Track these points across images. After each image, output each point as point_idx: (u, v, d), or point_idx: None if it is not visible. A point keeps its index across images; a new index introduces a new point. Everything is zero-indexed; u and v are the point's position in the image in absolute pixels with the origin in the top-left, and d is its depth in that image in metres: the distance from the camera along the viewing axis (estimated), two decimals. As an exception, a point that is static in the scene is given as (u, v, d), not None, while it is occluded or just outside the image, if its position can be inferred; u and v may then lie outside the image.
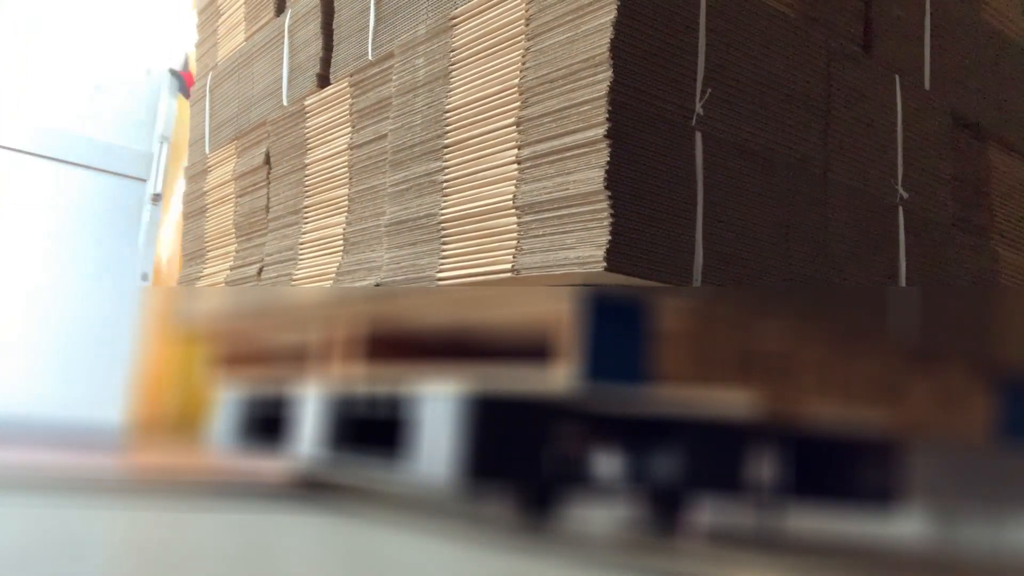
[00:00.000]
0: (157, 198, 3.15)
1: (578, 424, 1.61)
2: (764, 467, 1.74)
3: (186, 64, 3.27)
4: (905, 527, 1.93)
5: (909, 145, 1.63)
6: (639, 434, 1.65)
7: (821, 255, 1.49)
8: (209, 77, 2.42)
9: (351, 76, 1.81)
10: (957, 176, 1.76)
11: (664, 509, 1.79)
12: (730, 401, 1.54)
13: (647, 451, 1.72)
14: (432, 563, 1.31)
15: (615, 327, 1.38)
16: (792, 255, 1.44)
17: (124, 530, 1.33)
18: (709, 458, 1.77)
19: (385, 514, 1.69)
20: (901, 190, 1.60)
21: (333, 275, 1.77)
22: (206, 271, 2.30)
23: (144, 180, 3.08)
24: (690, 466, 1.77)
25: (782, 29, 1.44)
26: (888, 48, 1.63)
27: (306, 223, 1.90)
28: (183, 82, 3.24)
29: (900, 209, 1.61)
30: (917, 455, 1.85)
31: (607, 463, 1.76)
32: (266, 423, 2.00)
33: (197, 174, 2.41)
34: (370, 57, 1.76)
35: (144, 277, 3.14)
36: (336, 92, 1.85)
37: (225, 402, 2.08)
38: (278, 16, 2.12)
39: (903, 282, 1.63)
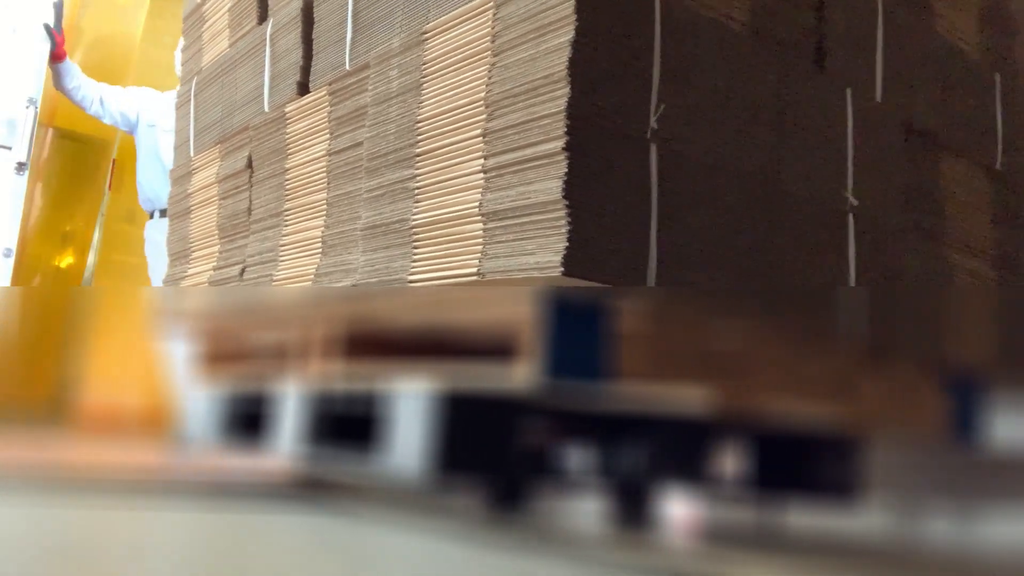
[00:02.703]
0: (22, 167, 2.92)
1: (543, 419, 1.68)
2: (724, 462, 1.82)
3: (58, 20, 3.07)
4: (863, 521, 2.01)
5: (860, 154, 1.71)
6: (602, 429, 1.73)
7: (772, 260, 1.57)
8: (194, 82, 2.49)
9: (329, 85, 1.88)
10: (909, 183, 1.84)
11: (630, 502, 1.87)
12: (688, 398, 1.63)
13: (611, 446, 1.80)
14: (405, 554, 1.38)
15: (575, 327, 1.46)
16: (744, 261, 1.53)
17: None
18: (670, 453, 1.85)
19: (361, 507, 1.77)
20: (851, 198, 1.69)
21: (312, 276, 1.84)
22: (191, 271, 2.37)
23: (8, 148, 2.87)
24: (653, 460, 1.86)
25: (735, 46, 1.52)
26: (840, 62, 1.71)
27: (286, 225, 1.98)
28: (54, 43, 3.07)
29: (850, 216, 1.69)
30: (873, 450, 1.93)
31: (573, 457, 1.84)
32: (247, 419, 2.07)
33: (182, 176, 2.48)
34: (347, 67, 1.84)
35: (7, 254, 2.94)
36: (315, 100, 1.92)
37: (205, 399, 2.15)
38: (260, 24, 2.19)
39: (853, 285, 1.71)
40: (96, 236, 3.68)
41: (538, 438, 1.72)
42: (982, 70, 2.09)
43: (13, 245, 2.84)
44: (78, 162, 3.61)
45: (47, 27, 3.10)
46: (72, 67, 3.31)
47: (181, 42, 2.68)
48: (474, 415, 1.66)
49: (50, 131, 3.52)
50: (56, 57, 3.21)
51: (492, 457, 1.76)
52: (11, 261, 2.87)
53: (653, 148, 1.41)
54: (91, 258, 3.67)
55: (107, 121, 3.41)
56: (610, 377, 1.50)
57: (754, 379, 1.70)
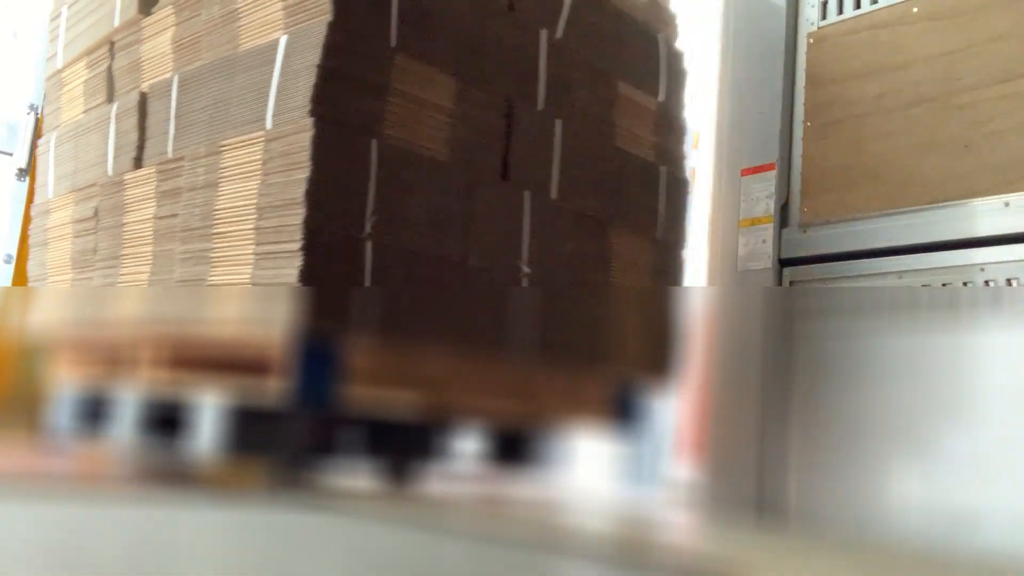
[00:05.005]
0: (23, 173, 3.17)
1: (305, 417, 2.38)
2: (437, 447, 2.57)
3: None
4: (539, 492, 2.81)
5: (535, 237, 2.47)
6: (350, 422, 2.44)
7: (463, 317, 2.31)
8: (54, 135, 3.05)
9: (157, 165, 2.51)
10: (580, 253, 2.62)
11: (390, 474, 2.60)
12: (402, 400, 2.36)
13: (360, 432, 2.52)
14: (201, 524, 2.04)
15: (316, 355, 2.16)
16: (440, 319, 2.26)
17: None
18: (410, 439, 2.59)
19: (170, 489, 2.43)
20: (525, 268, 2.45)
21: (141, 310, 2.48)
22: (48, 292, 2.95)
23: (9, 154, 3.13)
24: (400, 443, 2.60)
25: (434, 169, 2.25)
26: (521, 173, 2.46)
27: (123, 268, 2.60)
28: None
29: (525, 280, 2.45)
30: (551, 439, 2.72)
31: (342, 437, 2.55)
32: (91, 417, 2.69)
33: (42, 212, 3.04)
34: (170, 155, 2.47)
35: (8, 260, 3.25)
36: (146, 174, 2.54)
37: (56, 400, 2.75)
38: (108, 103, 2.78)
39: (530, 335, 2.47)
40: None
41: (312, 430, 2.42)
42: (651, 166, 2.89)
43: (14, 251, 3.04)
44: None
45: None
46: None
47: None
48: (258, 413, 2.34)
49: None
50: None
51: (276, 443, 2.45)
52: (12, 267, 3.08)
53: (368, 245, 2.12)
54: None
55: None
56: (344, 384, 2.22)
57: (454, 386, 2.45)
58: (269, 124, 2.15)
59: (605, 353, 2.75)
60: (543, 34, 2.56)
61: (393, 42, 2.19)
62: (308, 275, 2.01)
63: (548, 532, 1.91)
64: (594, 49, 2.73)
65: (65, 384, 2.81)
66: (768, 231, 2.54)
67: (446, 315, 2.28)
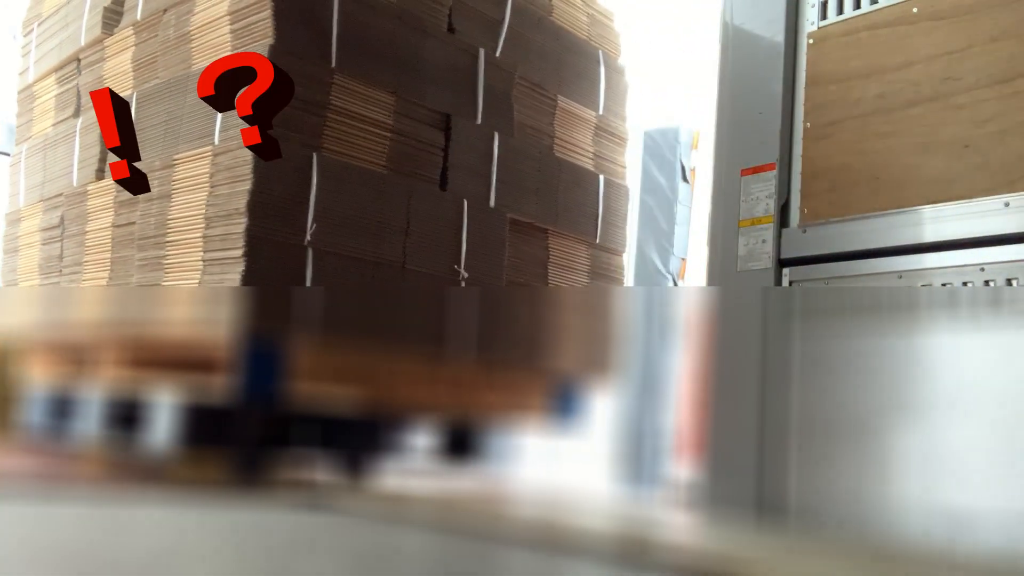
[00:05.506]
0: None
1: (255, 414, 2.54)
2: (380, 442, 2.73)
3: None
4: (475, 481, 2.96)
5: (472, 242, 2.63)
6: (302, 419, 2.60)
7: (402, 318, 2.47)
8: (25, 146, 3.20)
9: (118, 176, 2.66)
10: (518, 256, 2.78)
11: (342, 468, 2.76)
12: (345, 397, 2.51)
13: (311, 428, 2.68)
14: (163, 514, 2.19)
15: (261, 353, 2.32)
16: (379, 319, 2.42)
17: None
18: (359, 434, 2.75)
19: (131, 484, 2.58)
20: (463, 272, 2.61)
21: (102, 312, 2.63)
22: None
23: (8, 155, 3.34)
24: (349, 438, 2.75)
25: (374, 181, 2.41)
26: (460, 183, 2.62)
27: (85, 273, 2.75)
28: None
29: (463, 283, 2.61)
30: (489, 434, 2.88)
31: (293, 433, 2.71)
32: (55, 416, 2.84)
33: (12, 221, 3.20)
34: (129, 167, 2.62)
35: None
36: (107, 185, 2.70)
37: (30, 398, 2.90)
38: (75, 117, 2.93)
39: (469, 331, 2.64)
40: None
41: (257, 424, 2.57)
42: (590, 174, 3.05)
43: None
44: None
45: None
46: None
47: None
48: (214, 408, 2.50)
49: None
50: None
51: (232, 438, 2.61)
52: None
53: (309, 251, 2.28)
54: None
55: None
56: (289, 383, 2.37)
57: (398, 385, 2.60)
58: (216, 139, 2.31)
59: (547, 352, 2.91)
60: (482, 52, 2.72)
61: (333, 63, 2.35)
62: (250, 280, 2.16)
63: (503, 524, 2.00)
64: (533, 65, 2.89)
65: (29, 384, 2.96)
66: (768, 231, 2.52)
67: (387, 316, 2.44)
